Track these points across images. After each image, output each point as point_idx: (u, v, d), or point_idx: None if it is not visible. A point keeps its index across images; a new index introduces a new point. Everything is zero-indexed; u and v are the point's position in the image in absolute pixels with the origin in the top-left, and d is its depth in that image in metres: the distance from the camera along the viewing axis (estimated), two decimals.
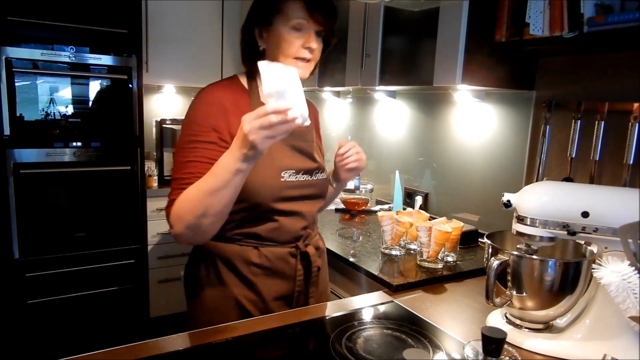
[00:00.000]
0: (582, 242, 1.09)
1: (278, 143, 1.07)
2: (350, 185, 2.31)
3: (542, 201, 0.99)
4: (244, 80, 1.21)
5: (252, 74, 1.21)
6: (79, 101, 2.41)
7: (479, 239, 1.78)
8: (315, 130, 1.33)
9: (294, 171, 1.16)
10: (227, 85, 1.18)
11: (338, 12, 1.17)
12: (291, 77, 0.90)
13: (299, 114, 0.88)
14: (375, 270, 1.45)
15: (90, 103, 2.45)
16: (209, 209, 0.98)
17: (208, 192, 0.97)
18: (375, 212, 2.19)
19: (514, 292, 1.03)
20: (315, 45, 1.11)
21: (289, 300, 1.21)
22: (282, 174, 1.14)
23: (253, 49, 1.17)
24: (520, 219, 1.01)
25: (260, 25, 1.13)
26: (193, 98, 1.16)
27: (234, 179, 0.95)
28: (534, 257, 1.01)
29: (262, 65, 0.90)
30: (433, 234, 1.46)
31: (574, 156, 1.54)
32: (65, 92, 2.38)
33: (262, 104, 1.11)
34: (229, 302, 1.16)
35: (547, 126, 1.62)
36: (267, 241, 1.16)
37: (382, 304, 1.24)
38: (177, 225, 1.01)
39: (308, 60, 1.13)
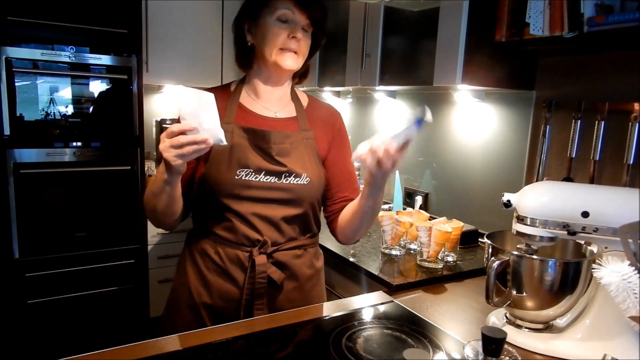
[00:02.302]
0: (582, 242, 1.09)
1: (240, 140, 1.13)
2: None
3: (542, 201, 0.99)
4: (233, 86, 1.23)
5: (243, 78, 1.24)
6: (79, 101, 2.41)
7: (479, 239, 1.78)
8: (327, 132, 1.25)
9: (252, 170, 1.12)
10: (215, 89, 1.17)
11: (326, 10, 1.17)
12: (205, 101, 0.93)
13: (211, 135, 0.93)
14: (375, 270, 1.45)
15: (90, 103, 2.45)
16: (155, 206, 1.10)
17: (152, 193, 1.09)
18: None
19: (514, 292, 1.03)
20: (301, 35, 1.12)
21: (236, 305, 1.16)
22: (239, 172, 1.12)
23: (243, 45, 1.18)
24: (520, 219, 1.01)
25: (249, 19, 1.15)
26: None
27: (165, 187, 1.03)
28: (534, 257, 1.01)
29: (178, 89, 0.94)
30: (433, 234, 1.46)
31: (574, 156, 1.54)
32: (65, 92, 2.38)
33: (240, 105, 1.18)
34: (185, 292, 1.20)
35: (547, 126, 1.62)
36: (223, 239, 1.16)
37: (382, 304, 1.24)
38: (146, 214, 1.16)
39: (295, 52, 1.13)
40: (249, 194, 1.12)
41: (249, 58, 1.18)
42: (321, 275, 1.31)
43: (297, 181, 1.15)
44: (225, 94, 1.19)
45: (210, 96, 0.94)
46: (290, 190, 1.15)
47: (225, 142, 0.97)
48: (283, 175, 1.14)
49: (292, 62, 1.13)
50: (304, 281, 1.23)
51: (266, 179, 1.13)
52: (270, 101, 1.21)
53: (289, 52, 1.12)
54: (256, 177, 1.13)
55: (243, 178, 1.12)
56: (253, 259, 1.13)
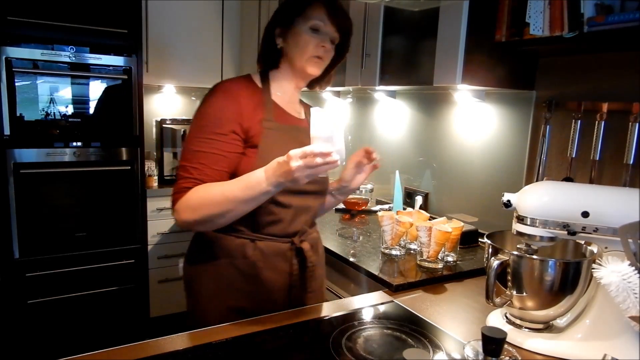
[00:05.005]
0: (582, 242, 1.09)
1: (286, 137, 1.17)
2: None
3: (542, 201, 0.99)
4: (257, 80, 1.25)
5: (266, 75, 1.27)
6: (79, 101, 2.41)
7: (479, 239, 1.78)
8: None
9: None
10: (243, 81, 1.23)
11: (352, 25, 1.26)
12: (337, 123, 1.00)
13: (339, 156, 0.98)
14: (375, 270, 1.45)
15: (90, 103, 2.45)
16: (227, 213, 1.06)
17: (231, 200, 1.04)
18: (375, 212, 2.19)
19: (514, 292, 1.03)
20: (329, 46, 1.20)
21: (284, 295, 1.22)
22: None
23: (272, 47, 1.23)
24: (520, 219, 1.01)
25: (283, 25, 1.21)
26: (209, 91, 1.20)
27: (260, 198, 1.04)
28: (534, 257, 1.01)
29: (315, 110, 1.00)
30: (433, 234, 1.46)
31: (574, 156, 1.54)
32: (65, 92, 2.38)
33: (275, 103, 1.21)
34: (226, 294, 1.19)
35: (547, 126, 1.62)
36: (264, 234, 1.19)
37: (382, 303, 1.24)
38: (187, 213, 1.07)
39: (321, 58, 1.21)
40: (293, 188, 1.15)
41: (275, 60, 1.24)
42: None
43: (324, 174, 1.23)
44: (256, 89, 1.22)
45: (339, 117, 0.99)
46: (322, 182, 1.26)
47: (344, 163, 1.02)
48: None
49: (317, 69, 1.21)
50: (322, 258, 1.37)
51: None
52: (293, 102, 1.29)
53: (316, 59, 1.19)
54: None
55: None
56: (299, 247, 1.22)
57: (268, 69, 1.26)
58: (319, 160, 0.93)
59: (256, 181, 1.01)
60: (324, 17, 1.18)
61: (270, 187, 1.00)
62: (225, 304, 1.19)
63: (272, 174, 0.99)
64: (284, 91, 1.26)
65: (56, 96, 2.35)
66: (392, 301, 1.25)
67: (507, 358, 0.96)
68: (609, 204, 0.95)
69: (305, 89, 1.35)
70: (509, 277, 1.03)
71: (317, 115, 0.98)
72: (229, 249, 1.19)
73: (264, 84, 1.24)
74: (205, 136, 1.11)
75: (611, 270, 0.88)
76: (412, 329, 1.08)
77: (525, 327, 1.07)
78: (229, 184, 1.06)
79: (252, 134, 1.14)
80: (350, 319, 1.13)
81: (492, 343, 0.86)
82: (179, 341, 1.00)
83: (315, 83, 1.34)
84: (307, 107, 1.38)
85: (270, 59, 1.24)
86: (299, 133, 1.21)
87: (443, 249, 1.48)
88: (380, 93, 2.32)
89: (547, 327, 1.08)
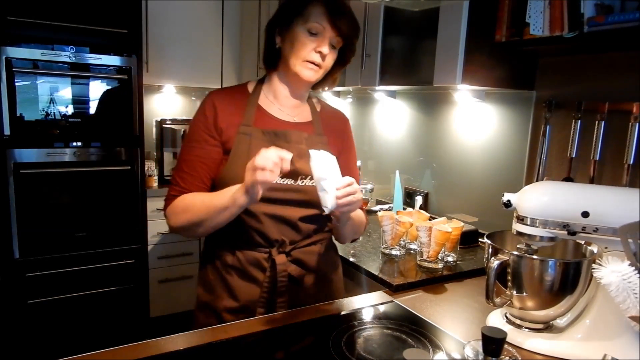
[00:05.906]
0: (582, 242, 1.09)
1: (260, 143, 1.13)
2: None
3: (542, 201, 0.99)
4: (251, 86, 1.24)
5: (263, 79, 1.25)
6: (79, 101, 2.41)
7: (479, 239, 1.78)
8: (338, 139, 1.30)
9: None
10: (230, 89, 1.24)
11: (359, 27, 1.20)
12: (331, 167, 1.02)
13: (330, 202, 1.01)
14: (375, 270, 1.45)
15: (90, 103, 2.45)
16: (205, 222, 1.09)
17: (208, 207, 1.08)
18: (375, 212, 2.19)
19: (514, 292, 1.03)
20: (327, 51, 1.14)
21: (257, 305, 1.18)
22: None
23: (271, 47, 1.20)
24: (520, 219, 1.01)
25: (281, 25, 1.17)
26: None
27: (231, 208, 1.05)
28: (534, 257, 1.01)
29: (313, 152, 1.02)
30: (433, 234, 1.46)
31: (574, 156, 1.54)
32: (66, 92, 2.38)
33: (259, 107, 1.20)
34: (211, 300, 1.21)
35: (547, 126, 1.62)
36: (240, 242, 1.17)
37: (382, 303, 1.24)
38: (172, 219, 1.15)
39: (317, 65, 1.14)
40: (266, 196, 1.08)
41: (274, 60, 1.21)
42: (339, 266, 1.35)
43: (312, 183, 1.15)
44: (242, 95, 1.21)
45: (334, 159, 1.03)
46: (306, 192, 1.16)
47: (333, 208, 1.02)
48: (299, 177, 1.16)
49: (311, 74, 1.15)
50: (322, 275, 1.26)
51: (283, 181, 1.14)
52: (288, 105, 1.24)
53: (311, 64, 1.14)
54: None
55: None
56: (273, 259, 1.16)
57: (269, 70, 1.24)
58: (272, 159, 0.95)
59: (234, 193, 1.04)
60: (323, 19, 1.11)
61: (239, 194, 1.01)
62: (209, 309, 1.21)
63: (242, 182, 1.01)
64: (276, 94, 1.22)
65: (56, 96, 2.35)
66: (392, 301, 1.25)
67: (507, 358, 0.96)
68: (609, 204, 0.95)
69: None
70: (509, 277, 1.03)
71: (314, 157, 1.01)
72: (214, 256, 1.22)
73: (255, 88, 1.22)
74: (186, 145, 1.18)
75: (611, 270, 0.88)
76: (412, 329, 1.08)
77: (525, 327, 1.07)
78: (211, 194, 1.10)
79: (225, 139, 1.15)
80: (350, 319, 1.13)
81: (492, 343, 0.86)
82: (179, 341, 1.00)
83: (318, 84, 1.27)
84: (331, 112, 1.31)
85: (270, 59, 1.22)
86: (280, 138, 1.16)
87: (443, 249, 1.47)
88: (380, 93, 2.32)
89: (547, 327, 1.08)
